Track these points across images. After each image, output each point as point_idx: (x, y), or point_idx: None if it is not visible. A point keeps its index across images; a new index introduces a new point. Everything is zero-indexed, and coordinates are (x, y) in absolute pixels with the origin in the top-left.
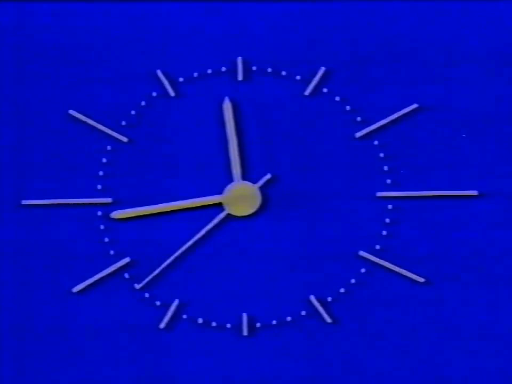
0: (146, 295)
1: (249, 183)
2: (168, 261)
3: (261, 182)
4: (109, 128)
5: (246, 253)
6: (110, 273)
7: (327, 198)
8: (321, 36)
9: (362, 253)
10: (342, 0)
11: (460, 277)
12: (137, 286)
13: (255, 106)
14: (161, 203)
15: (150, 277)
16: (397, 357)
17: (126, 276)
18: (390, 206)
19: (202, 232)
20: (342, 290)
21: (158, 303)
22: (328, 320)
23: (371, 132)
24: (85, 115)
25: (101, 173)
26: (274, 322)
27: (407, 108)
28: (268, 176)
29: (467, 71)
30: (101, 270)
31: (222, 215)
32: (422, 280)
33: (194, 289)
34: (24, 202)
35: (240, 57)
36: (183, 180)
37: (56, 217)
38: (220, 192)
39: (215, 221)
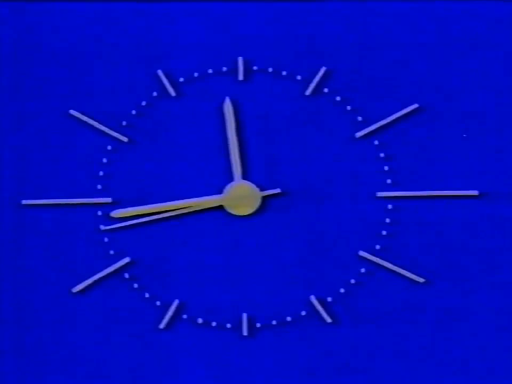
0: (146, 295)
1: (249, 183)
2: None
3: (267, 192)
4: (109, 128)
5: (246, 253)
6: (110, 273)
7: (327, 197)
8: (321, 35)
9: (362, 253)
10: (343, 0)
11: (460, 277)
12: (103, 227)
13: (256, 106)
14: (161, 203)
15: (115, 226)
16: (396, 357)
17: (126, 275)
18: (390, 206)
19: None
20: (342, 290)
21: (158, 303)
22: (328, 320)
23: (371, 132)
24: (85, 115)
25: (101, 173)
26: (274, 322)
27: (407, 108)
28: (278, 190)
29: (467, 71)
30: (101, 270)
31: (214, 201)
32: (422, 280)
33: (194, 289)
34: (24, 202)
35: (240, 57)
36: (183, 180)
37: (56, 217)
38: (219, 192)
39: (208, 203)
